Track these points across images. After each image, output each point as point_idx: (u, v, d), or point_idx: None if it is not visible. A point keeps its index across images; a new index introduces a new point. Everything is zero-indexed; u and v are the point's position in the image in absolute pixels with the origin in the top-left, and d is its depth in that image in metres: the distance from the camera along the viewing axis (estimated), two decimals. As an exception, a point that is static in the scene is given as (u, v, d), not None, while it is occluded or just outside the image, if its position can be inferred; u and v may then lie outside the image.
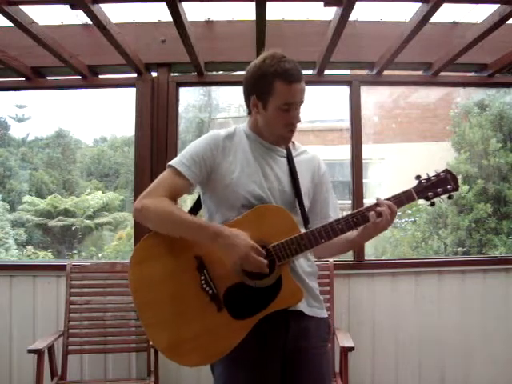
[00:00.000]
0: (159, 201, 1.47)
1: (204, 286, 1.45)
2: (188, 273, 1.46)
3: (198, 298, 1.45)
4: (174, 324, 1.46)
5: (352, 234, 1.55)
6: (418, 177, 1.55)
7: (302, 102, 1.52)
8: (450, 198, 1.54)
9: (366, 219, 1.48)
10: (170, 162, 1.53)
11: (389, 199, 1.50)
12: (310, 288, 1.56)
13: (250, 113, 1.59)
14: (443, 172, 1.54)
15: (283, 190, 1.55)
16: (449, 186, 1.53)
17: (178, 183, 1.50)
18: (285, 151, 1.60)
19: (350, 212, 1.52)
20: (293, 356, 1.51)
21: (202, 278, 1.46)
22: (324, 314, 1.61)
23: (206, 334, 1.45)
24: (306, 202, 1.59)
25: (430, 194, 1.52)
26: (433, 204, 1.54)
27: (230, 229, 1.42)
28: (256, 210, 1.48)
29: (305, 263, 1.56)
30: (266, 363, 1.48)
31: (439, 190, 1.52)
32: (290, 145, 1.63)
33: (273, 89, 1.46)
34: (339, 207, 1.71)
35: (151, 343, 2.43)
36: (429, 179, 1.53)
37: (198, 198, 1.64)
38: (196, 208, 1.64)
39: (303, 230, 1.52)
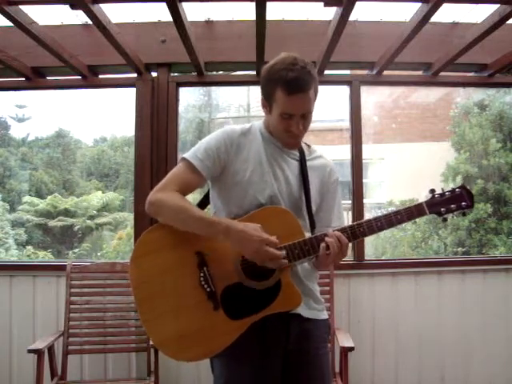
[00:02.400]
0: (172, 196, 1.47)
1: (202, 283, 1.46)
2: (188, 269, 1.46)
3: (195, 295, 1.46)
4: (171, 319, 1.47)
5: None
6: (432, 191, 1.51)
7: (305, 112, 1.47)
8: (464, 214, 1.51)
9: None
10: (185, 155, 1.53)
11: (399, 212, 1.47)
12: (311, 291, 1.56)
13: None
14: (459, 188, 1.50)
15: (291, 193, 1.54)
16: (463, 203, 1.49)
17: (190, 177, 1.51)
18: (298, 154, 1.58)
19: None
20: (294, 357, 1.51)
21: (202, 275, 1.46)
22: (324, 315, 1.61)
23: (201, 331, 1.46)
24: (313, 207, 1.58)
25: (442, 209, 1.49)
26: (445, 220, 1.51)
27: (242, 222, 1.43)
28: (263, 210, 1.48)
29: (306, 266, 1.56)
30: (267, 363, 1.48)
31: (453, 206, 1.48)
32: (305, 147, 1.62)
33: (274, 96, 1.46)
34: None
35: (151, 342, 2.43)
36: (443, 194, 1.50)
37: (206, 194, 1.63)
38: (203, 204, 1.64)
39: (308, 235, 1.51)
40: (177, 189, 1.49)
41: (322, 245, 1.44)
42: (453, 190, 1.50)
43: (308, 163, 1.59)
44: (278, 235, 1.45)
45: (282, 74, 1.43)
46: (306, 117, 1.49)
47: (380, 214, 1.49)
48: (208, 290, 1.45)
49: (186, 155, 1.52)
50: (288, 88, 1.42)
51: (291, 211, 1.50)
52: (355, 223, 1.49)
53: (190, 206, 1.47)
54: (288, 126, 1.48)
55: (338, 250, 1.44)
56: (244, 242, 1.40)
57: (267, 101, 1.50)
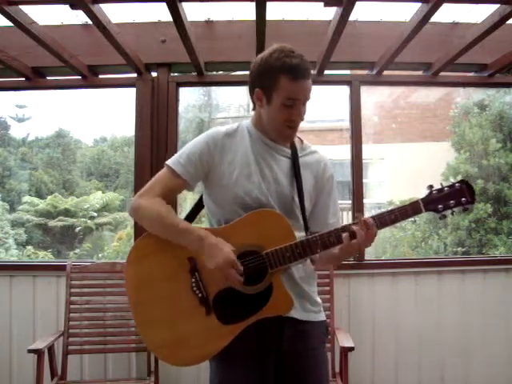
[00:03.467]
0: (153, 202, 1.48)
1: (194, 288, 1.46)
2: (180, 274, 1.47)
3: (187, 300, 1.46)
4: (164, 324, 1.47)
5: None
6: (431, 186, 1.44)
7: (307, 99, 1.47)
8: (465, 210, 1.43)
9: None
10: (167, 161, 1.53)
11: (393, 211, 1.42)
12: (306, 293, 1.54)
13: (254, 107, 1.55)
14: (459, 182, 1.43)
15: (281, 192, 1.51)
16: (463, 199, 1.41)
17: (173, 183, 1.51)
18: (289, 151, 1.55)
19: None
20: (289, 358, 1.51)
21: (193, 280, 1.46)
22: (321, 317, 1.59)
23: (194, 336, 1.46)
24: (308, 206, 1.55)
25: (440, 206, 1.42)
26: (443, 217, 1.43)
27: (216, 238, 1.42)
28: (254, 213, 1.46)
29: (302, 268, 1.54)
30: (260, 365, 1.48)
31: (451, 202, 1.41)
32: (298, 144, 1.58)
33: (277, 84, 1.43)
34: (339, 207, 1.66)
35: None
36: (441, 190, 1.43)
37: (201, 197, 1.62)
38: (198, 207, 1.63)
39: (303, 234, 1.50)
40: (159, 194, 1.49)
41: (344, 235, 1.40)
42: (452, 185, 1.43)
43: (301, 160, 1.55)
44: (270, 239, 1.44)
45: (286, 61, 1.42)
46: (305, 105, 1.48)
47: (374, 214, 1.44)
48: (199, 295, 1.45)
49: (169, 161, 1.52)
50: (294, 73, 1.41)
51: (282, 211, 1.48)
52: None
53: (169, 213, 1.47)
54: (289, 114, 1.46)
55: (366, 237, 1.38)
56: (213, 255, 1.40)
57: (265, 91, 1.46)
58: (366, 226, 1.39)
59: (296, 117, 1.47)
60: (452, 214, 1.45)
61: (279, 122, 1.48)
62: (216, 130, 1.55)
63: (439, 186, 1.44)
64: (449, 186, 1.44)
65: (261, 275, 1.44)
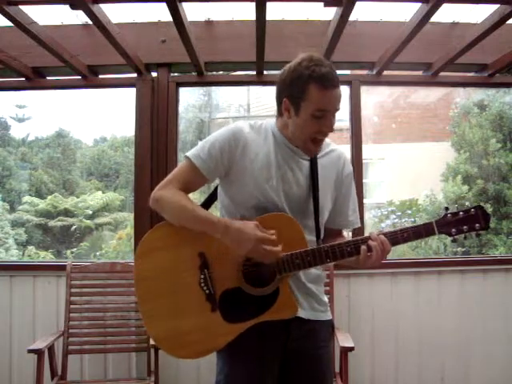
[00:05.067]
0: (173, 194, 1.48)
1: (202, 284, 1.47)
2: (189, 269, 1.47)
3: (195, 296, 1.47)
4: (170, 317, 1.49)
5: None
6: (446, 209, 1.45)
7: (337, 109, 1.43)
8: (477, 235, 1.45)
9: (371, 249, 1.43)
10: (188, 154, 1.51)
11: (406, 230, 1.43)
12: (314, 293, 1.56)
13: (280, 114, 1.51)
14: (474, 208, 1.43)
15: (301, 195, 1.51)
16: (477, 225, 1.42)
17: (193, 177, 1.50)
18: None
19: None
20: (294, 357, 1.52)
21: (202, 276, 1.47)
22: (328, 316, 1.61)
23: (198, 331, 1.47)
24: (326, 207, 1.56)
25: (453, 230, 1.42)
26: (455, 240, 1.44)
27: (239, 222, 1.41)
28: (268, 216, 1.45)
29: (310, 269, 1.53)
30: (265, 362, 1.49)
31: (465, 227, 1.42)
32: None
33: (306, 93, 1.39)
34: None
35: (151, 342, 2.44)
36: (456, 214, 1.43)
37: (215, 190, 1.63)
38: (210, 200, 1.63)
39: (312, 238, 1.51)
40: (179, 187, 1.49)
41: (363, 247, 1.42)
42: (467, 210, 1.43)
43: (320, 160, 1.54)
44: (281, 243, 1.43)
45: (316, 70, 1.38)
46: (334, 116, 1.44)
47: (386, 231, 1.45)
48: (207, 292, 1.46)
49: (190, 154, 1.50)
50: (323, 82, 1.38)
51: (298, 214, 1.48)
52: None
53: (189, 203, 1.47)
54: (319, 126, 1.42)
55: (381, 253, 1.41)
56: (241, 241, 1.39)
57: (293, 100, 1.43)
58: (383, 244, 1.41)
59: (327, 128, 1.44)
60: (465, 238, 1.45)
61: (307, 134, 1.45)
62: (239, 127, 1.52)
63: (454, 210, 1.45)
64: (464, 211, 1.44)
65: (269, 278, 1.45)
